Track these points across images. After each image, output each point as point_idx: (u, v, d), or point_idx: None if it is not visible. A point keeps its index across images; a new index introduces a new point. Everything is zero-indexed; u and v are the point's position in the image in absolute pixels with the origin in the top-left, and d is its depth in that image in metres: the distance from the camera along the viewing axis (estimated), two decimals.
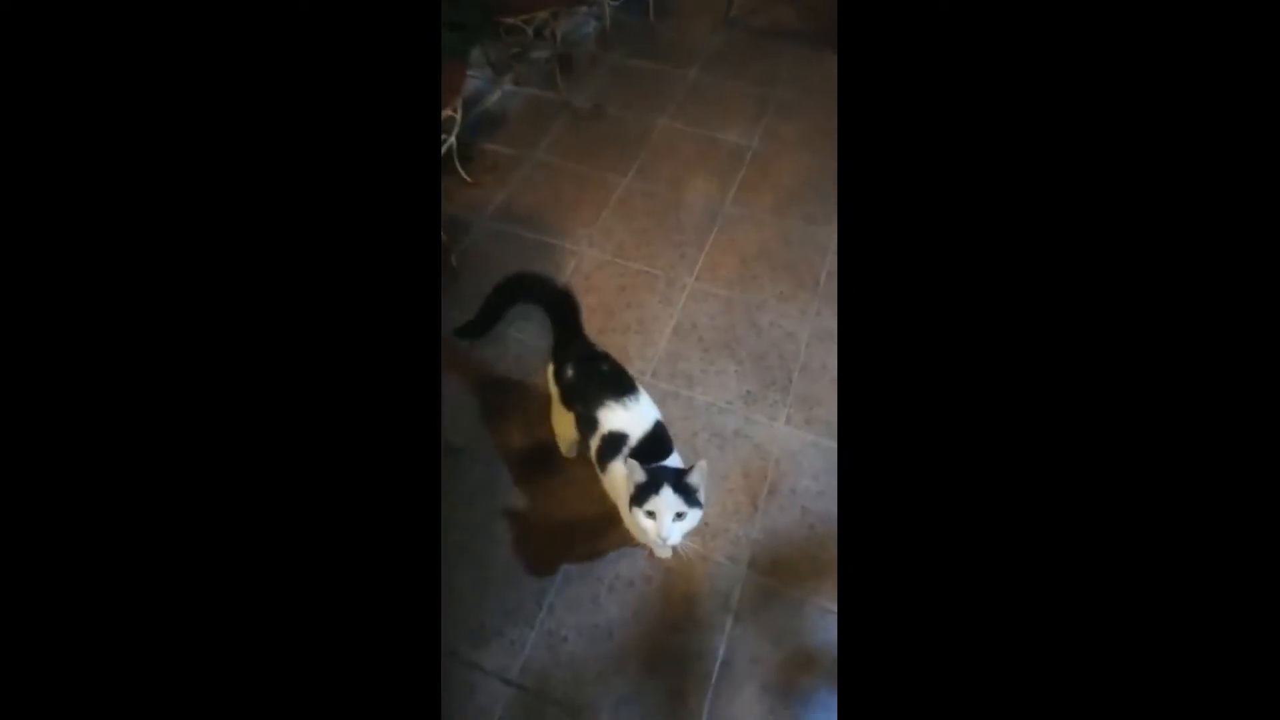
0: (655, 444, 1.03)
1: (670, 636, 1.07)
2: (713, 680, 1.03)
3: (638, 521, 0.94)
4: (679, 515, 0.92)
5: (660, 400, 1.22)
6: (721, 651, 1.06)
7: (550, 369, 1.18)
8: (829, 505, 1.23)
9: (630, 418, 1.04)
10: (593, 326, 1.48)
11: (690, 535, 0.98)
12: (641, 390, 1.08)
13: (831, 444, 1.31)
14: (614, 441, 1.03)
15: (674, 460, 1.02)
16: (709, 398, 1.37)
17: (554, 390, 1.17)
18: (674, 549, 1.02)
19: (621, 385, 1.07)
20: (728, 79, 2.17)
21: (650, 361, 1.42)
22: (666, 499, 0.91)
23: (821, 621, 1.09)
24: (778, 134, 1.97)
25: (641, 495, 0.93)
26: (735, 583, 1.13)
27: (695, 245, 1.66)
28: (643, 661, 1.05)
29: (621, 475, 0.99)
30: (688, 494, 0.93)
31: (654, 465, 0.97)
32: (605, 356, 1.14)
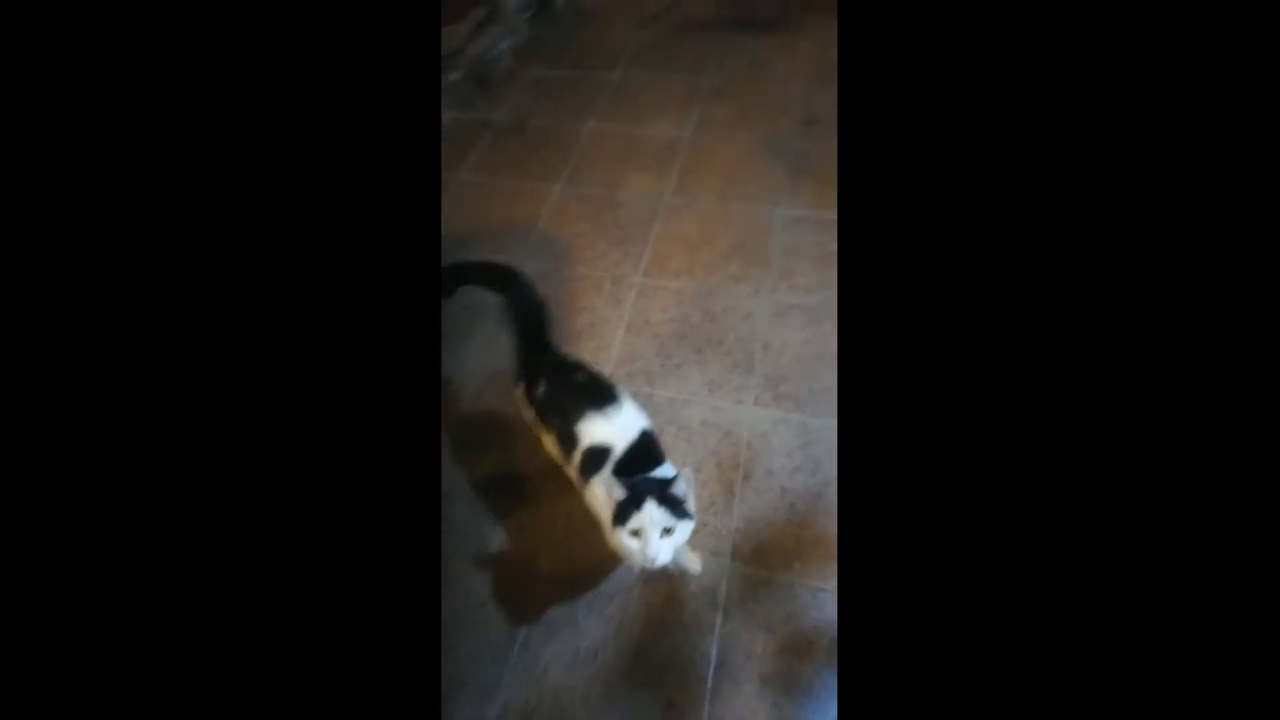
0: (643, 455, 0.95)
1: (659, 646, 1.02)
2: (709, 684, 0.97)
3: (621, 543, 0.87)
4: (666, 531, 0.85)
5: None
6: (715, 652, 1.00)
7: (519, 389, 1.10)
8: (806, 480, 1.18)
9: (612, 429, 0.97)
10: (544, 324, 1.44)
11: (684, 549, 0.92)
12: (625, 397, 1.01)
13: (801, 417, 1.27)
14: (596, 456, 0.96)
15: (665, 471, 0.95)
16: (670, 392, 1.32)
17: (528, 412, 1.10)
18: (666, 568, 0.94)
19: (601, 394, 1.00)
20: (653, 75, 2.16)
21: (605, 365, 1.38)
22: (651, 514, 0.84)
23: (814, 602, 1.04)
24: (710, 121, 1.96)
25: (623, 513, 0.86)
26: (720, 577, 1.07)
27: (639, 241, 1.62)
28: (632, 678, 0.99)
29: (604, 493, 0.92)
30: (674, 506, 0.85)
31: (634, 478, 0.89)
32: (580, 365, 1.07)
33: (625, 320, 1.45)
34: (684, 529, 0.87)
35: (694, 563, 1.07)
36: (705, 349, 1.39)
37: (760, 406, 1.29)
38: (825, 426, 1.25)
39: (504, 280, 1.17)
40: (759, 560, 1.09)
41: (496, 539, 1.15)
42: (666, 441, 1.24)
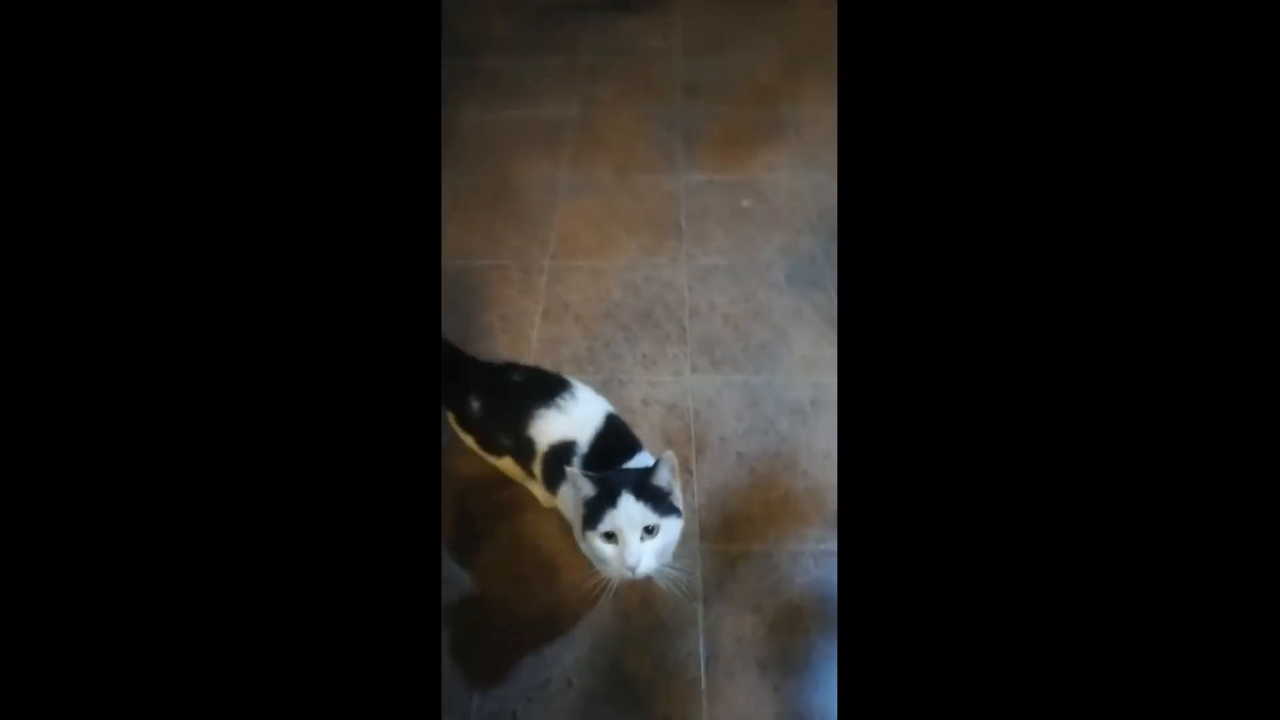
0: (614, 444, 0.81)
1: (640, 656, 0.89)
2: (702, 684, 0.86)
3: (594, 550, 0.71)
4: (648, 531, 0.70)
5: None
6: (702, 647, 0.89)
7: (451, 418, 0.93)
8: (762, 440, 1.10)
9: (570, 420, 0.82)
10: (452, 339, 1.26)
11: (673, 556, 0.76)
12: (577, 384, 0.88)
13: (743, 378, 1.19)
14: (559, 456, 0.81)
15: (643, 460, 0.82)
16: (603, 375, 1.20)
17: (468, 440, 0.93)
18: (652, 579, 0.77)
19: (547, 386, 0.86)
20: (527, 59, 2.03)
21: (528, 357, 1.23)
22: (628, 511, 0.69)
23: (795, 567, 0.96)
24: (594, 100, 1.87)
25: (594, 513, 0.70)
26: (693, 563, 0.96)
27: (542, 225, 1.49)
28: (616, 699, 0.85)
29: (570, 494, 0.76)
30: (657, 500, 0.71)
31: (606, 472, 0.75)
32: (510, 366, 0.94)
33: (541, 307, 1.31)
34: (670, 527, 0.72)
35: (669, 577, 0.82)
36: (632, 325, 1.28)
37: (700, 374, 1.20)
38: (769, 383, 1.19)
39: None
40: (730, 535, 1.00)
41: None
42: None
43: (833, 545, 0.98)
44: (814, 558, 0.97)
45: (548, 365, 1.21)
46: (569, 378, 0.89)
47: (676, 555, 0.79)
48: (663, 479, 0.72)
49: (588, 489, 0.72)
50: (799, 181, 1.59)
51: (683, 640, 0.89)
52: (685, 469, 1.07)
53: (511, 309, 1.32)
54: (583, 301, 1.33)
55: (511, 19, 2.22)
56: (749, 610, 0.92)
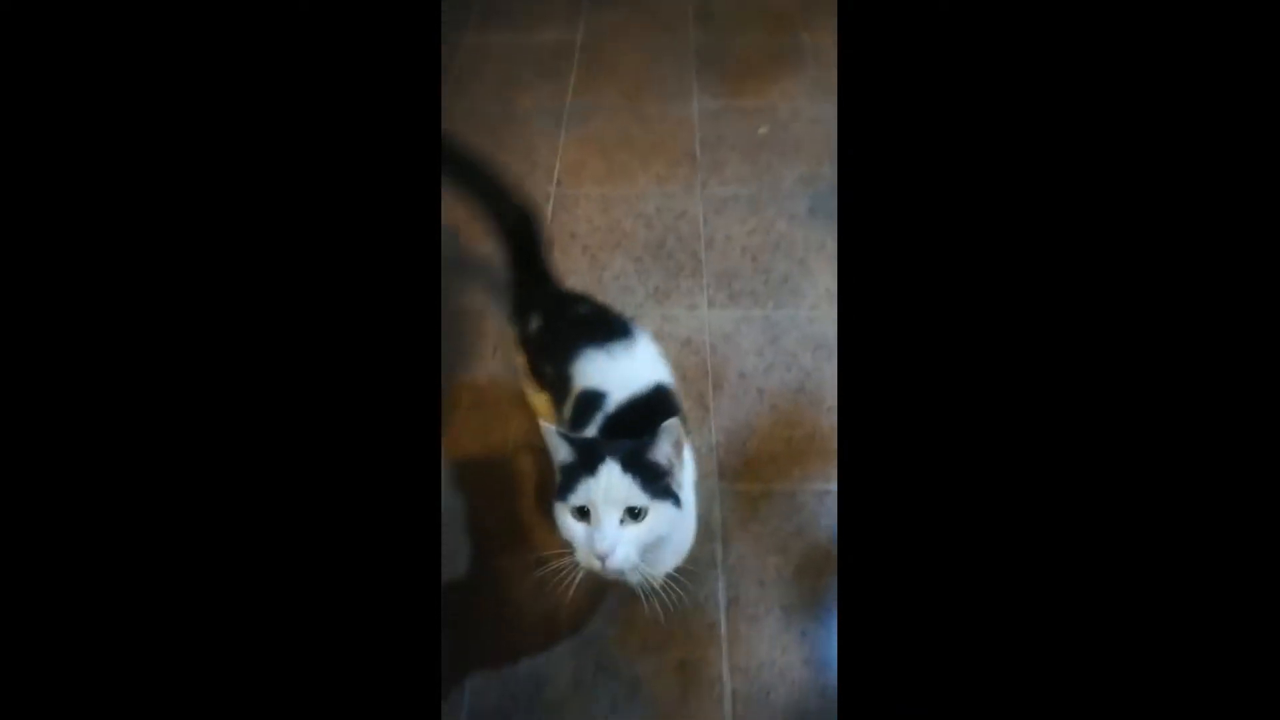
0: (646, 413, 0.64)
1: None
2: (723, 630, 0.79)
3: (562, 527, 0.58)
4: (632, 513, 0.56)
5: None
6: (723, 594, 0.82)
7: (514, 335, 0.85)
8: (783, 376, 1.02)
9: (615, 370, 0.69)
10: (449, 269, 1.17)
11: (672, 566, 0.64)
12: (642, 336, 0.74)
13: (763, 312, 1.10)
14: (586, 403, 0.68)
15: (690, 461, 0.68)
16: (616, 307, 1.11)
17: (520, 361, 0.84)
18: (637, 585, 0.63)
19: (607, 327, 0.74)
20: None
21: None
22: (608, 484, 0.55)
23: (822, 507, 0.88)
24: (600, 25, 1.72)
25: (568, 481, 0.57)
26: (711, 503, 0.89)
27: (547, 151, 1.38)
28: (629, 646, 0.79)
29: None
30: (649, 476, 0.56)
31: (596, 437, 0.64)
32: (582, 297, 0.83)
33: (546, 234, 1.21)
34: (662, 514, 0.57)
35: (652, 579, 0.64)
36: (643, 256, 1.19)
37: (717, 308, 1.11)
38: (791, 317, 1.09)
39: (483, 184, 0.85)
40: (753, 474, 0.92)
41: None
42: None
43: None
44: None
45: None
46: (638, 329, 0.76)
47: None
48: (661, 453, 0.57)
49: (564, 452, 0.58)
50: (819, 109, 1.46)
51: (700, 582, 0.82)
52: (701, 405, 0.99)
53: None
54: (591, 231, 1.22)
55: None
56: (773, 551, 0.85)
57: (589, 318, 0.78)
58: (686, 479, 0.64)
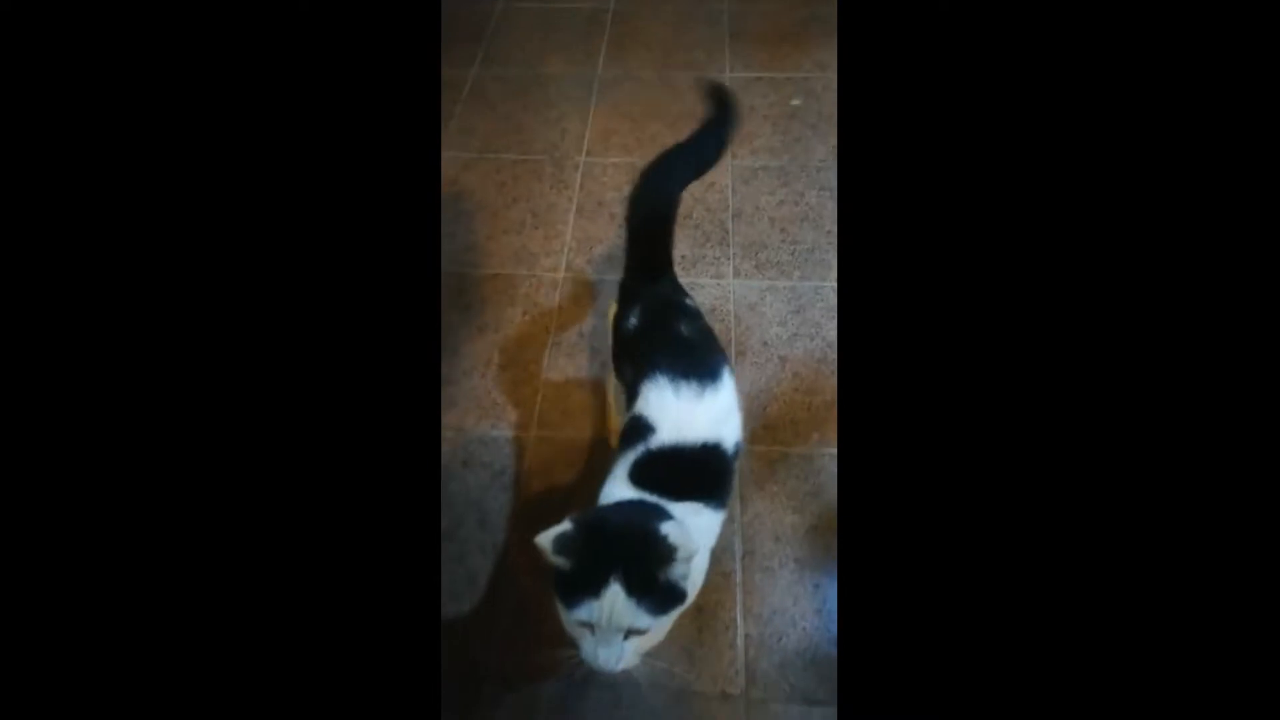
0: (701, 468, 0.64)
1: None
2: (738, 578, 0.84)
3: (568, 628, 0.59)
4: (636, 631, 0.56)
5: (586, 291, 0.97)
6: (739, 543, 0.87)
7: (612, 311, 0.83)
8: (806, 345, 1.04)
9: (676, 409, 0.65)
10: (479, 234, 1.20)
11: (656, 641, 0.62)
12: (729, 384, 0.70)
13: (789, 282, 1.12)
14: (633, 432, 0.67)
15: (718, 519, 0.66)
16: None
17: (611, 340, 0.84)
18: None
19: (692, 361, 0.69)
20: None
21: (561, 255, 1.17)
22: (612, 608, 0.54)
23: (837, 469, 0.92)
24: None
25: (571, 591, 0.56)
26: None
27: (577, 119, 1.39)
28: None
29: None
30: (654, 595, 0.55)
31: (603, 519, 0.60)
32: (694, 312, 0.77)
33: (574, 203, 1.24)
34: (667, 623, 0.58)
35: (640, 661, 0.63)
36: None
37: (743, 278, 1.13)
38: (816, 288, 1.11)
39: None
40: (772, 437, 0.95)
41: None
42: None
43: None
44: None
45: (582, 263, 1.15)
46: (723, 370, 0.70)
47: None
48: (676, 572, 0.57)
49: (562, 562, 0.56)
50: None
51: (719, 536, 0.87)
52: None
53: (542, 204, 1.24)
54: (619, 199, 1.24)
55: None
56: (789, 509, 0.89)
57: (683, 343, 0.72)
58: (700, 563, 0.63)
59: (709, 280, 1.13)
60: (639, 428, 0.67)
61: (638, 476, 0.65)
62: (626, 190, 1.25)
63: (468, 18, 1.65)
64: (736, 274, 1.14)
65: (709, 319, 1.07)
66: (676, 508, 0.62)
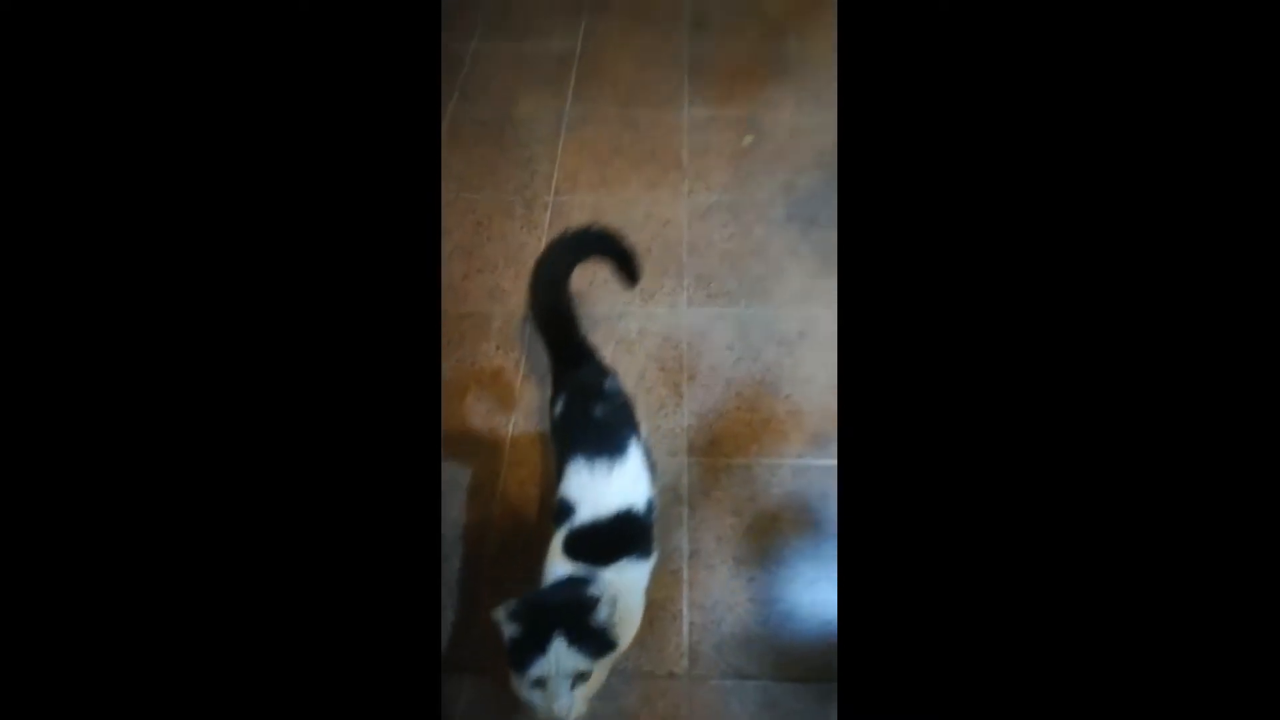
0: (619, 534, 0.76)
1: None
2: (685, 575, 0.98)
3: (521, 693, 0.67)
4: (581, 677, 0.66)
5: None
6: (686, 544, 1.00)
7: (549, 407, 0.91)
8: (749, 367, 1.18)
9: (592, 486, 0.77)
10: (454, 273, 1.33)
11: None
12: (635, 454, 0.81)
13: (735, 310, 1.26)
14: (558, 513, 0.78)
15: (645, 567, 0.79)
16: (604, 308, 1.27)
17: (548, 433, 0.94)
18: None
19: (604, 438, 0.80)
20: None
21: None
22: (559, 660, 0.65)
23: (773, 478, 1.06)
24: (599, 32, 1.83)
25: (521, 656, 0.66)
26: (680, 473, 1.07)
27: (546, 159, 1.52)
28: None
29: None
30: (593, 642, 0.67)
31: (541, 597, 0.71)
32: (611, 393, 0.86)
33: (544, 243, 1.37)
34: (608, 663, 0.70)
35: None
36: None
37: (695, 307, 1.27)
38: (759, 314, 1.25)
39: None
40: (716, 450, 1.09)
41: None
42: (608, 357, 1.20)
43: (808, 461, 1.07)
44: (791, 471, 1.06)
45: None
46: (636, 441, 0.82)
47: (666, 468, 0.83)
48: (601, 617, 0.67)
49: (512, 629, 0.66)
50: (802, 118, 1.59)
51: (669, 536, 1.01)
52: (676, 393, 1.16)
53: (514, 243, 1.37)
54: None
55: None
56: (729, 513, 1.03)
57: (596, 426, 0.81)
58: (634, 606, 0.75)
59: (665, 309, 1.27)
60: (564, 509, 0.78)
61: (570, 550, 0.77)
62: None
63: (443, 59, 1.77)
64: (690, 303, 1.27)
65: (664, 345, 1.21)
66: (606, 571, 0.75)
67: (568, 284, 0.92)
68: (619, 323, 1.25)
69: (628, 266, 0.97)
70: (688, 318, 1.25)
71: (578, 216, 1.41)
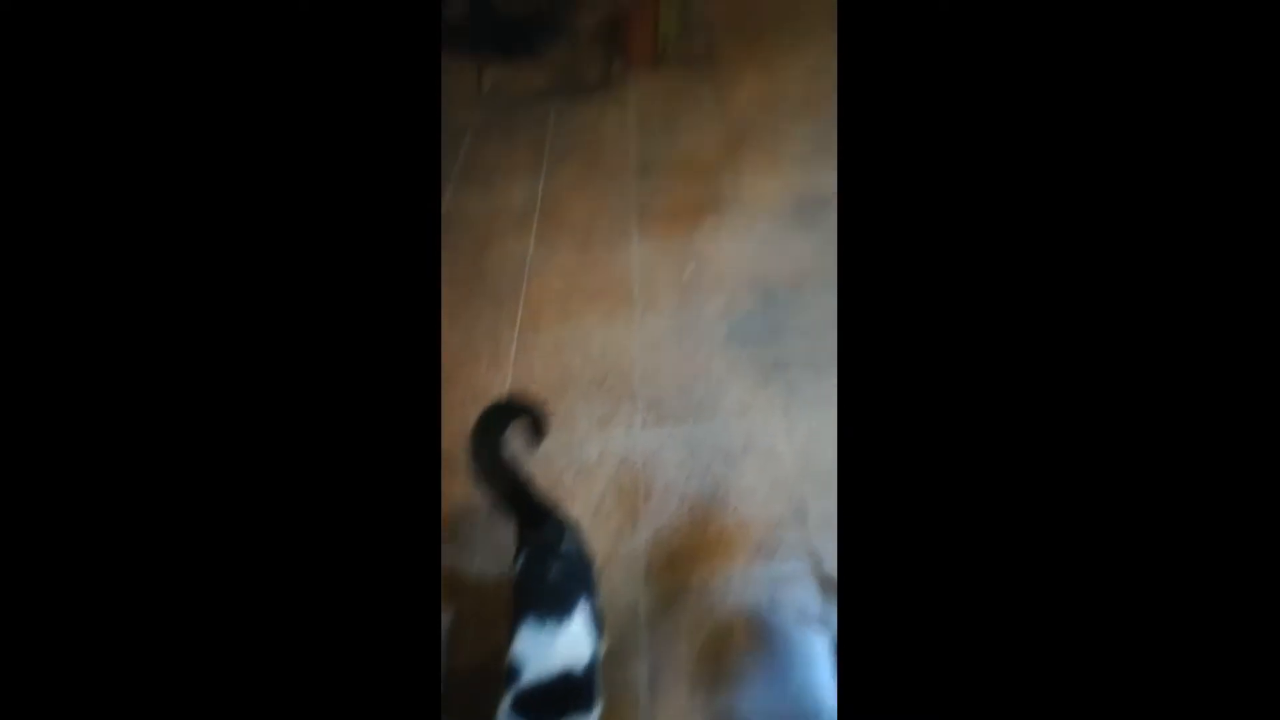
0: (560, 694, 0.78)
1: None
2: (642, 704, 1.03)
3: None
4: None
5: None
6: (646, 672, 1.06)
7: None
8: (700, 483, 1.29)
9: (536, 647, 0.79)
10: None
11: None
12: (581, 615, 0.84)
13: (685, 429, 1.39)
14: (511, 671, 0.80)
15: (594, 717, 0.81)
16: (564, 437, 1.39)
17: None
18: None
19: (556, 600, 0.84)
20: (499, 145, 2.30)
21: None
22: None
23: (727, 588, 1.13)
24: (559, 180, 2.11)
25: None
26: (639, 596, 1.14)
27: (511, 303, 1.71)
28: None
29: None
30: None
31: None
32: (568, 554, 0.90)
33: (508, 383, 1.52)
34: None
35: None
36: (589, 390, 1.48)
37: (647, 429, 1.40)
38: (706, 432, 1.38)
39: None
40: (672, 569, 1.17)
41: None
42: (567, 484, 1.31)
43: (754, 570, 1.15)
44: (740, 579, 1.14)
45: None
46: (586, 600, 0.86)
47: (625, 589, 0.91)
48: None
49: None
50: (735, 248, 1.81)
51: (630, 664, 1.06)
52: (634, 514, 1.25)
53: (480, 385, 1.51)
54: (545, 373, 1.53)
55: (483, 110, 2.50)
56: (686, 631, 1.09)
57: (548, 589, 0.85)
58: None
59: (620, 433, 1.39)
60: (513, 669, 0.81)
61: (519, 708, 0.81)
62: (554, 360, 1.55)
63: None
64: (643, 425, 1.40)
65: (622, 468, 1.32)
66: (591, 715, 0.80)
67: (501, 452, 0.97)
68: (579, 449, 1.37)
69: (536, 425, 1.06)
70: (641, 439, 1.38)
71: (539, 352, 1.57)
